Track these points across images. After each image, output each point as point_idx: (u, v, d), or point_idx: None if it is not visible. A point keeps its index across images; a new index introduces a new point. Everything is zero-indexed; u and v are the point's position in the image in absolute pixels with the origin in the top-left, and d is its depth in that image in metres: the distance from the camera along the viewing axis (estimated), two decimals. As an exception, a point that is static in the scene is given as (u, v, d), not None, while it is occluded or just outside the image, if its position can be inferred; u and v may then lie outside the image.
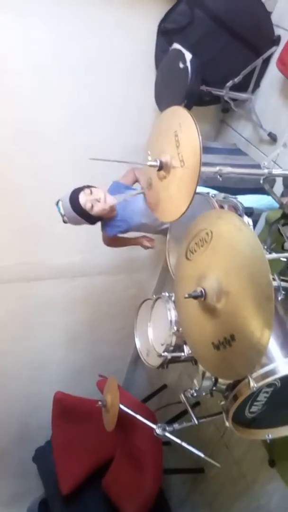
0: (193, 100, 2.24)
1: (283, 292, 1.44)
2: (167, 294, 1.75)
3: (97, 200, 1.92)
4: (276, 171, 1.47)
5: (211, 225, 1.24)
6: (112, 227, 2.10)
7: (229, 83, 2.36)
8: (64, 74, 2.38)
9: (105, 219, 2.06)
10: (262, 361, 1.27)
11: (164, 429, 1.84)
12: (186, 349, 1.63)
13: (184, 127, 1.28)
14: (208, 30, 2.21)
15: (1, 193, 2.59)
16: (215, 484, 2.98)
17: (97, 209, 1.93)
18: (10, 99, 2.33)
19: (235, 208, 1.57)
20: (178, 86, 2.23)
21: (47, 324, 3.38)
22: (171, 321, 1.65)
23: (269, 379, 1.29)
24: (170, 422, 1.86)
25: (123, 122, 2.65)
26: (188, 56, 2.17)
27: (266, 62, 2.36)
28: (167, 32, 2.34)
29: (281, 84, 2.33)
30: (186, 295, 1.22)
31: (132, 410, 2.24)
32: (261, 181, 1.48)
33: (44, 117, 2.44)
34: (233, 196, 1.63)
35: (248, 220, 1.44)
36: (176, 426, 1.81)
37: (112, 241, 2.20)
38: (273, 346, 1.32)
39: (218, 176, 1.37)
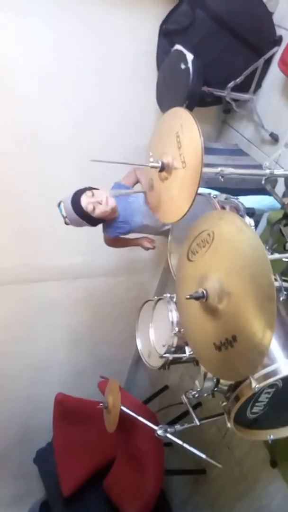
0: (194, 101, 2.24)
1: (285, 293, 1.44)
2: (168, 295, 1.75)
3: (98, 202, 1.92)
4: (278, 171, 1.47)
5: (212, 226, 1.23)
6: (114, 229, 2.11)
7: (231, 84, 2.36)
8: (65, 76, 2.38)
9: (107, 221, 2.07)
10: (263, 362, 1.27)
11: (165, 430, 1.84)
12: (188, 350, 1.63)
13: (186, 128, 1.28)
14: (210, 31, 2.21)
15: (3, 194, 2.60)
16: (217, 485, 2.97)
17: (99, 211, 1.94)
18: (11, 101, 2.33)
19: (236, 209, 1.57)
20: (180, 87, 2.23)
21: (48, 325, 3.38)
22: (172, 322, 1.65)
23: (271, 380, 1.29)
24: (172, 423, 1.86)
25: (125, 123, 2.64)
26: (189, 57, 2.17)
27: (268, 62, 2.36)
28: (168, 33, 2.34)
29: (283, 84, 2.33)
30: (188, 296, 1.22)
31: (133, 412, 2.23)
32: (263, 182, 1.48)
33: (45, 118, 2.44)
34: (235, 197, 1.63)
35: (249, 220, 1.44)
36: (177, 427, 1.81)
37: (114, 241, 2.21)
38: (275, 346, 1.32)
39: (220, 177, 1.37)
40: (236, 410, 1.39)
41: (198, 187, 1.23)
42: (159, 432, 1.84)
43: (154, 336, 1.82)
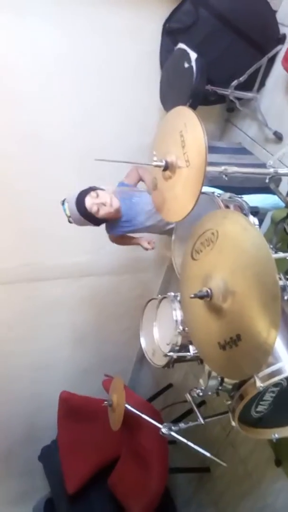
0: (198, 100, 2.24)
1: (289, 292, 1.44)
2: (172, 294, 1.74)
3: (103, 203, 1.93)
4: (282, 170, 1.46)
5: (217, 225, 1.23)
6: (117, 228, 2.11)
7: (234, 82, 2.36)
8: (68, 75, 2.39)
9: (110, 221, 2.07)
10: (268, 361, 1.27)
11: (170, 429, 1.84)
12: (192, 349, 1.63)
13: (190, 127, 1.28)
14: (213, 29, 2.21)
15: (7, 194, 2.61)
16: (221, 483, 2.98)
17: (103, 212, 1.95)
18: (13, 102, 2.34)
19: (240, 208, 1.57)
20: (183, 86, 2.23)
21: (53, 324, 3.40)
22: (176, 320, 1.64)
23: (275, 379, 1.29)
24: (176, 421, 1.86)
25: (128, 122, 2.65)
26: (193, 55, 2.17)
27: (271, 61, 2.36)
28: (172, 32, 2.34)
29: (287, 82, 2.32)
30: (192, 295, 1.21)
31: (138, 410, 2.24)
32: (267, 180, 1.48)
33: (47, 119, 2.45)
34: (239, 196, 1.63)
35: (254, 219, 1.44)
36: (182, 425, 1.81)
37: (117, 239, 2.22)
38: (280, 345, 1.32)
39: (224, 176, 1.37)
40: (240, 409, 1.39)
41: (202, 186, 1.23)
42: (164, 430, 1.84)
43: (158, 335, 1.82)
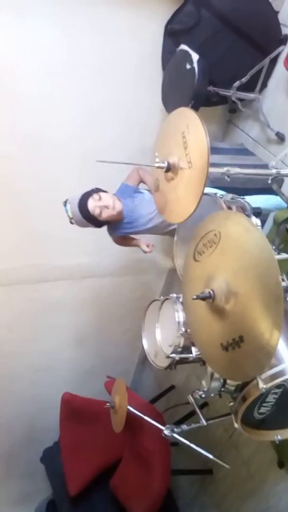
0: (200, 101, 2.24)
1: (291, 293, 1.43)
2: (175, 295, 1.74)
3: (105, 206, 1.93)
4: (284, 171, 1.46)
5: (219, 226, 1.23)
6: (119, 229, 2.12)
7: (236, 83, 2.35)
8: (69, 77, 2.39)
9: (112, 222, 2.07)
10: (271, 362, 1.26)
11: (172, 430, 1.84)
12: (194, 350, 1.63)
13: (192, 128, 1.28)
14: (215, 30, 2.21)
15: (8, 195, 2.61)
16: (224, 485, 2.97)
17: (106, 215, 1.95)
18: (14, 102, 2.34)
19: (242, 209, 1.57)
20: (185, 87, 2.22)
21: (54, 325, 3.39)
22: (179, 322, 1.64)
23: (278, 380, 1.29)
24: (178, 423, 1.86)
25: (130, 124, 2.65)
26: (195, 57, 2.17)
27: (274, 61, 2.35)
28: (174, 33, 2.34)
29: (289, 83, 2.33)
30: (195, 297, 1.21)
31: (140, 412, 2.24)
32: (269, 181, 1.47)
33: (48, 120, 2.45)
34: (241, 197, 1.62)
35: (256, 220, 1.44)
36: (184, 427, 1.81)
37: (118, 240, 2.22)
38: (282, 347, 1.32)
39: (226, 177, 1.37)
40: (243, 410, 1.39)
41: (204, 187, 1.23)
42: (166, 432, 1.84)
43: (161, 336, 1.82)
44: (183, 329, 1.63)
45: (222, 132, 2.90)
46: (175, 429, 1.83)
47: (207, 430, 2.18)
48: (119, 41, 2.38)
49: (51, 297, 3.23)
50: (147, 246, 2.19)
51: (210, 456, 1.90)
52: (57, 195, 2.04)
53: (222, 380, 1.53)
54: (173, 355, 1.67)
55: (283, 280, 1.42)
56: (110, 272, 3.35)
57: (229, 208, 1.53)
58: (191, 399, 1.66)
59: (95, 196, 1.93)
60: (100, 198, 1.94)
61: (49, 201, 2.32)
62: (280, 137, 2.37)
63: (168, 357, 1.69)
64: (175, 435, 1.83)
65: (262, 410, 1.47)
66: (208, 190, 1.68)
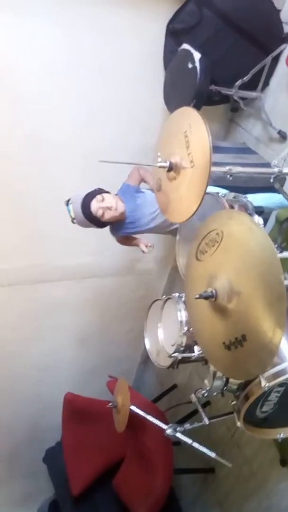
0: (202, 100, 2.24)
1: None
2: (177, 294, 1.74)
3: (108, 208, 1.93)
4: (286, 169, 1.46)
5: (222, 225, 1.23)
6: (121, 230, 2.12)
7: (238, 82, 2.35)
8: (70, 77, 2.39)
9: (114, 223, 2.08)
10: (273, 361, 1.26)
11: (175, 430, 1.84)
12: (197, 350, 1.63)
13: (194, 128, 1.28)
14: (217, 29, 2.21)
15: (9, 196, 2.61)
16: (226, 484, 2.97)
17: (108, 216, 1.96)
18: (15, 102, 2.34)
19: (245, 208, 1.57)
20: (187, 86, 2.22)
21: (56, 325, 3.40)
22: (181, 321, 1.64)
23: (280, 379, 1.29)
24: (180, 422, 1.86)
25: (132, 123, 2.65)
26: (197, 56, 2.17)
27: (275, 60, 2.35)
28: (175, 33, 2.34)
29: (291, 82, 2.33)
30: (197, 296, 1.21)
31: (143, 411, 2.24)
32: (272, 180, 1.47)
33: (50, 120, 2.46)
34: (243, 195, 1.62)
35: (258, 219, 1.44)
36: (187, 426, 1.81)
37: (121, 240, 2.23)
38: (285, 345, 1.31)
39: (228, 176, 1.37)
40: (245, 409, 1.39)
41: (206, 187, 1.23)
42: (169, 431, 1.84)
43: (163, 336, 1.82)
44: (185, 328, 1.63)
45: (224, 131, 2.90)
46: (178, 428, 1.83)
47: (209, 429, 2.18)
48: (120, 41, 2.38)
49: (53, 297, 3.23)
50: (146, 246, 2.19)
51: (213, 455, 1.90)
52: (59, 195, 2.04)
53: (224, 379, 1.53)
54: (176, 354, 1.66)
55: (285, 278, 1.42)
56: (112, 272, 3.35)
57: (232, 207, 1.53)
58: (193, 398, 1.66)
59: (99, 197, 1.94)
60: (103, 199, 1.94)
61: (51, 201, 2.33)
62: (282, 136, 2.37)
63: (170, 356, 1.69)
64: (178, 434, 1.84)
65: (265, 408, 1.47)
66: (210, 189, 1.68)
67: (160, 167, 1.37)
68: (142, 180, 2.21)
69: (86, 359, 3.76)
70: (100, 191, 1.98)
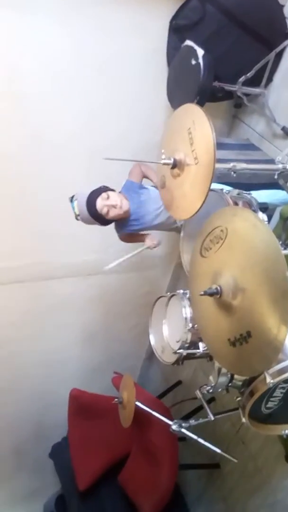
0: (205, 97, 2.23)
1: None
2: (181, 291, 1.75)
3: (113, 206, 1.94)
4: (290, 166, 1.46)
5: (226, 222, 1.23)
6: (126, 227, 2.12)
7: (242, 78, 2.34)
8: (75, 75, 2.39)
9: (119, 220, 2.08)
10: (278, 357, 1.27)
11: (180, 425, 1.84)
12: (202, 346, 1.63)
13: (198, 124, 1.28)
14: (220, 25, 2.21)
15: (15, 194, 2.62)
16: (231, 479, 2.98)
17: (113, 214, 1.97)
18: (22, 103, 2.35)
19: (249, 204, 1.57)
20: (191, 83, 2.22)
21: (61, 322, 3.41)
22: (186, 318, 1.65)
23: (285, 375, 1.29)
24: (185, 418, 1.86)
25: (135, 120, 2.65)
26: (200, 52, 2.16)
27: (279, 56, 2.34)
28: (179, 29, 2.33)
29: (294, 78, 2.31)
30: (202, 293, 1.22)
31: (148, 407, 2.25)
32: (276, 176, 1.47)
33: (54, 118, 2.46)
34: (247, 192, 1.62)
35: (263, 216, 1.44)
36: (192, 422, 1.81)
37: (125, 237, 2.23)
38: (290, 342, 1.32)
39: (232, 173, 1.37)
40: (250, 405, 1.40)
41: (210, 184, 1.23)
42: (174, 427, 1.85)
43: (168, 332, 1.83)
44: (190, 324, 1.64)
45: (227, 128, 2.89)
46: (183, 424, 1.84)
47: (214, 425, 2.19)
48: (123, 38, 2.38)
49: (58, 294, 3.24)
50: (153, 242, 2.20)
51: (218, 451, 1.91)
52: (64, 193, 2.05)
53: (229, 375, 1.54)
54: (181, 350, 1.67)
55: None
56: (117, 269, 3.35)
57: (236, 203, 1.53)
58: (199, 394, 1.66)
59: (104, 195, 1.94)
60: (108, 197, 1.95)
61: (55, 200, 2.34)
62: (286, 132, 2.36)
63: (175, 352, 1.70)
64: (183, 430, 1.84)
65: (270, 404, 1.47)
66: (214, 186, 1.68)
67: (164, 164, 1.37)
68: (144, 176, 2.22)
69: (92, 355, 3.77)
70: (105, 188, 1.99)
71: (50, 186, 2.63)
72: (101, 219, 2.00)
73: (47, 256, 3.00)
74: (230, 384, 1.56)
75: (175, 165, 1.36)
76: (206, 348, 1.58)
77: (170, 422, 1.88)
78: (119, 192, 2.08)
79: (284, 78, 2.38)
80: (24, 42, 2.21)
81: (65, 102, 2.44)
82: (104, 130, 2.59)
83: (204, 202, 1.26)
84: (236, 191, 1.62)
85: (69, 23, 2.25)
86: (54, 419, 3.59)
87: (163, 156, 1.37)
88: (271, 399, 1.45)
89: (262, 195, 1.89)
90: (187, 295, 1.69)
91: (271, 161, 1.87)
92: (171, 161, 1.36)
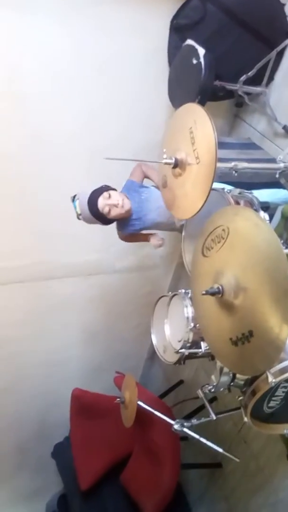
0: (206, 96, 2.23)
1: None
2: (183, 290, 1.75)
3: (115, 205, 1.94)
4: (292, 165, 1.46)
5: (228, 221, 1.23)
6: (127, 226, 2.12)
7: (243, 77, 2.34)
8: (75, 75, 2.39)
9: (120, 219, 2.08)
10: (280, 356, 1.27)
11: (182, 425, 1.84)
12: (203, 345, 1.63)
13: (199, 124, 1.28)
14: (221, 24, 2.20)
15: (17, 194, 2.62)
16: (233, 479, 2.98)
17: (114, 213, 1.97)
18: (22, 103, 2.34)
19: (250, 203, 1.56)
20: (192, 82, 2.22)
21: (63, 322, 3.41)
22: (188, 317, 1.65)
23: (287, 374, 1.29)
24: (187, 417, 1.86)
25: (136, 120, 2.64)
26: (201, 51, 2.16)
27: (280, 54, 2.33)
28: (179, 29, 2.33)
29: (296, 76, 2.31)
30: (204, 292, 1.22)
31: (150, 407, 2.25)
32: (277, 175, 1.47)
33: (56, 119, 2.46)
34: (249, 191, 1.62)
35: (264, 215, 1.43)
36: (194, 421, 1.82)
37: (126, 237, 2.23)
38: (292, 341, 1.31)
39: (234, 172, 1.37)
40: (252, 404, 1.40)
41: (212, 183, 1.23)
42: (176, 426, 1.85)
43: (170, 332, 1.83)
44: (192, 324, 1.64)
45: (228, 127, 2.89)
46: (185, 424, 1.84)
47: (216, 424, 2.19)
48: (124, 37, 2.38)
49: (60, 294, 3.25)
50: (158, 242, 2.20)
51: (220, 450, 1.91)
52: (65, 193, 2.05)
53: (231, 375, 1.54)
54: (182, 350, 1.67)
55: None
56: (118, 269, 3.36)
57: (237, 203, 1.53)
58: (200, 393, 1.66)
59: (105, 194, 1.95)
60: (109, 196, 1.95)
61: (56, 199, 2.33)
62: (287, 131, 2.36)
63: (177, 352, 1.70)
64: (185, 429, 1.84)
65: (272, 404, 1.47)
66: (215, 185, 1.68)
67: (166, 163, 1.37)
68: (145, 176, 2.22)
69: (93, 355, 3.77)
70: (106, 188, 1.99)
71: (50, 186, 2.63)
72: (102, 219, 2.00)
73: (48, 256, 3.01)
74: (232, 384, 1.56)
75: (176, 164, 1.36)
76: (208, 347, 1.59)
77: (172, 422, 1.88)
78: (121, 192, 2.08)
79: (285, 77, 2.38)
80: (24, 42, 2.21)
81: (65, 102, 2.44)
82: (104, 130, 2.59)
83: (205, 201, 1.26)
84: (238, 190, 1.62)
85: (69, 23, 2.25)
86: (56, 418, 3.60)
87: (165, 156, 1.37)
88: (273, 398, 1.45)
89: (263, 194, 1.89)
90: (189, 295, 1.69)
91: (273, 160, 1.87)
92: (173, 160, 1.36)
